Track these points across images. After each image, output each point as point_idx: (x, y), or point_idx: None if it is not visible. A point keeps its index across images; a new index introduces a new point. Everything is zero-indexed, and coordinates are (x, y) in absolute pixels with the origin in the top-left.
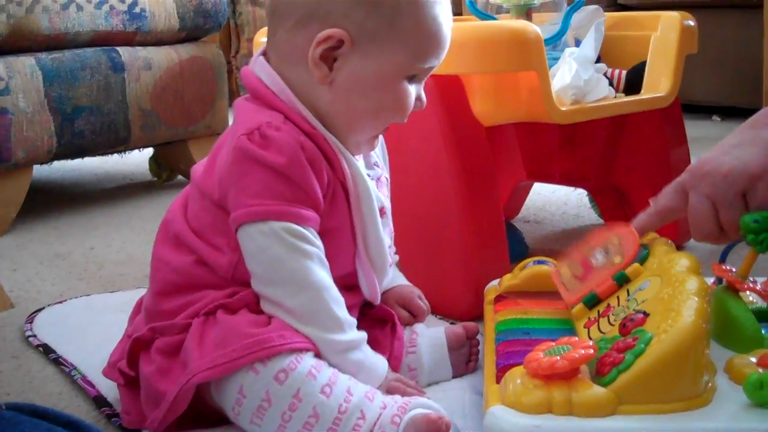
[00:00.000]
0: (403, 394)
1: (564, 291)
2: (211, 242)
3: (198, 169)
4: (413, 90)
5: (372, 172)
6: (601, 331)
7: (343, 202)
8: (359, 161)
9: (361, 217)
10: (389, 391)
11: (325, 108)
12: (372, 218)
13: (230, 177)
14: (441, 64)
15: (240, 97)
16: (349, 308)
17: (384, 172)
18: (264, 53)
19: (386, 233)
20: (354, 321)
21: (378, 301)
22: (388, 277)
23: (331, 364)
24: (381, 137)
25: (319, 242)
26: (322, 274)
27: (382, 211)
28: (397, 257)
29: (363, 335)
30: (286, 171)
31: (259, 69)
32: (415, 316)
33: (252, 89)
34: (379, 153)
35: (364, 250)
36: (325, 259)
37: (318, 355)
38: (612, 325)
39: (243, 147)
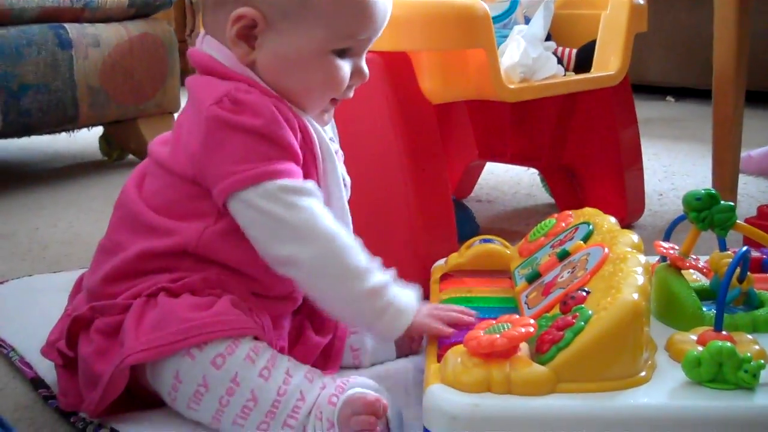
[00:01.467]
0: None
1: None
2: (174, 216)
3: (156, 145)
4: (346, 64)
5: (332, 145)
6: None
7: (312, 169)
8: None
9: (326, 185)
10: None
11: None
12: (337, 187)
13: (207, 149)
14: (388, 40)
15: (192, 75)
16: None
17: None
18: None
19: None
20: (374, 265)
21: None
22: None
23: (354, 312)
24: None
25: (317, 191)
26: (326, 223)
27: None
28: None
29: (386, 280)
30: (264, 131)
31: (207, 47)
32: None
33: (204, 66)
34: (329, 130)
35: None
36: (327, 208)
37: (258, 338)
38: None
39: (216, 115)
